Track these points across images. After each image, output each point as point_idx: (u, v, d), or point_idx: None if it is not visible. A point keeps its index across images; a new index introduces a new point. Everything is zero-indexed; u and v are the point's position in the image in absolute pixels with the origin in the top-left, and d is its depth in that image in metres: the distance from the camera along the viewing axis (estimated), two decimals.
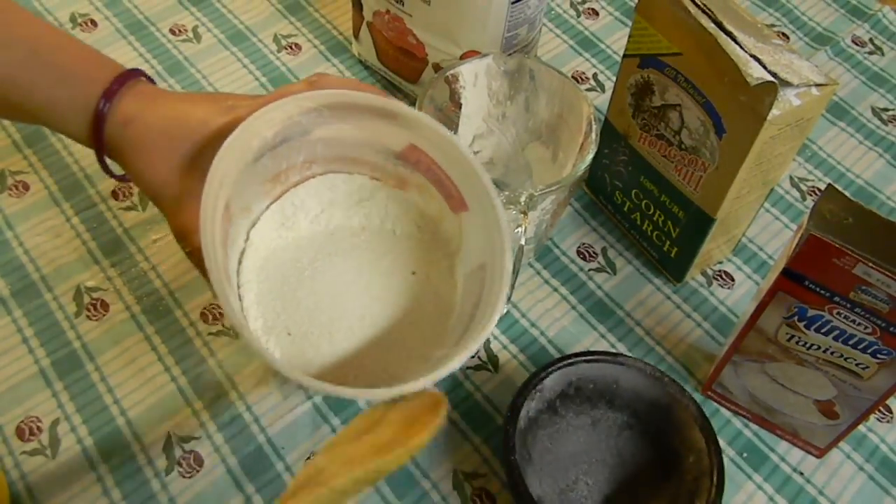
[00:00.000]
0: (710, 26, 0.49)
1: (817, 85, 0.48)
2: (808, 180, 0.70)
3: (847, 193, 0.45)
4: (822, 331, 0.46)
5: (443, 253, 0.46)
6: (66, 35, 0.45)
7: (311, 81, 0.44)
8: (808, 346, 0.48)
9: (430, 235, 0.47)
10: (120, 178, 0.47)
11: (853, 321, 0.45)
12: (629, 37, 0.55)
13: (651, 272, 0.63)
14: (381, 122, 0.43)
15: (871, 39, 0.81)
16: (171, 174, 0.42)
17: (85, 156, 0.66)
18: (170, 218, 0.42)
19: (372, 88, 0.44)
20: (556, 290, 0.61)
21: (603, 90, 0.74)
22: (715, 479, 0.48)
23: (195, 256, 0.39)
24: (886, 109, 0.75)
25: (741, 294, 0.62)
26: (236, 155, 0.39)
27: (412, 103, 0.70)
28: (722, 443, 0.54)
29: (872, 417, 0.56)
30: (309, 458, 0.52)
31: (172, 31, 0.75)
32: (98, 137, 0.43)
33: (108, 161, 0.45)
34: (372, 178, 0.47)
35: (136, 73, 0.44)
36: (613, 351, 0.58)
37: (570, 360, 0.52)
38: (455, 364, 0.37)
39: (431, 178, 0.45)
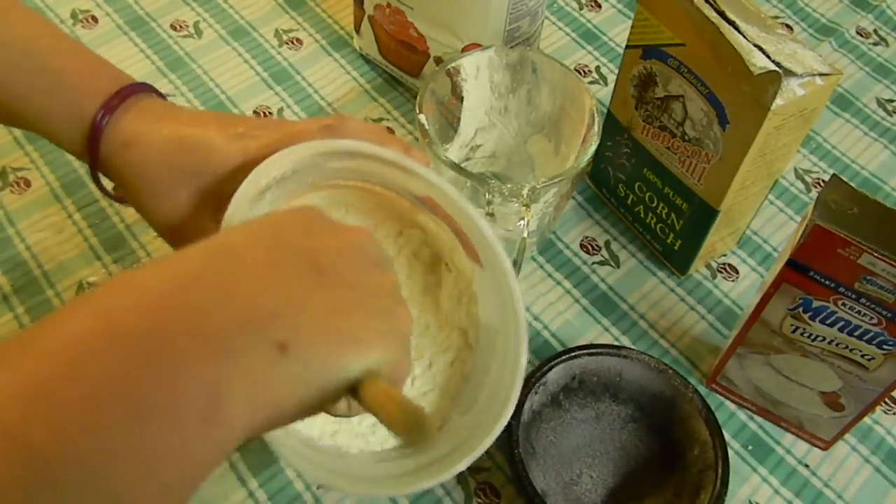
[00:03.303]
0: (713, 16, 0.49)
1: (821, 74, 0.48)
2: (812, 172, 0.69)
3: (852, 184, 0.44)
4: (828, 322, 0.46)
5: (457, 286, 0.47)
6: (67, 38, 0.42)
7: (329, 126, 0.41)
8: (813, 337, 0.47)
9: (447, 270, 0.47)
10: (117, 199, 0.45)
11: (858, 312, 0.44)
12: (631, 27, 0.55)
13: (655, 265, 0.63)
14: (399, 173, 0.42)
15: (875, 30, 0.80)
16: (179, 213, 0.40)
17: None
18: None
19: (397, 141, 0.42)
20: (559, 283, 0.61)
21: (606, 83, 0.74)
22: (720, 471, 0.47)
23: None
24: (891, 100, 0.75)
25: (746, 286, 0.62)
26: (247, 199, 0.37)
27: (414, 97, 0.70)
28: (727, 435, 0.53)
29: (878, 409, 0.56)
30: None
31: (173, 27, 0.74)
32: (93, 152, 0.40)
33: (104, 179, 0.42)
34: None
35: (141, 87, 0.41)
36: (617, 344, 0.57)
37: (573, 354, 0.52)
38: (468, 462, 0.38)
39: (450, 226, 0.45)
